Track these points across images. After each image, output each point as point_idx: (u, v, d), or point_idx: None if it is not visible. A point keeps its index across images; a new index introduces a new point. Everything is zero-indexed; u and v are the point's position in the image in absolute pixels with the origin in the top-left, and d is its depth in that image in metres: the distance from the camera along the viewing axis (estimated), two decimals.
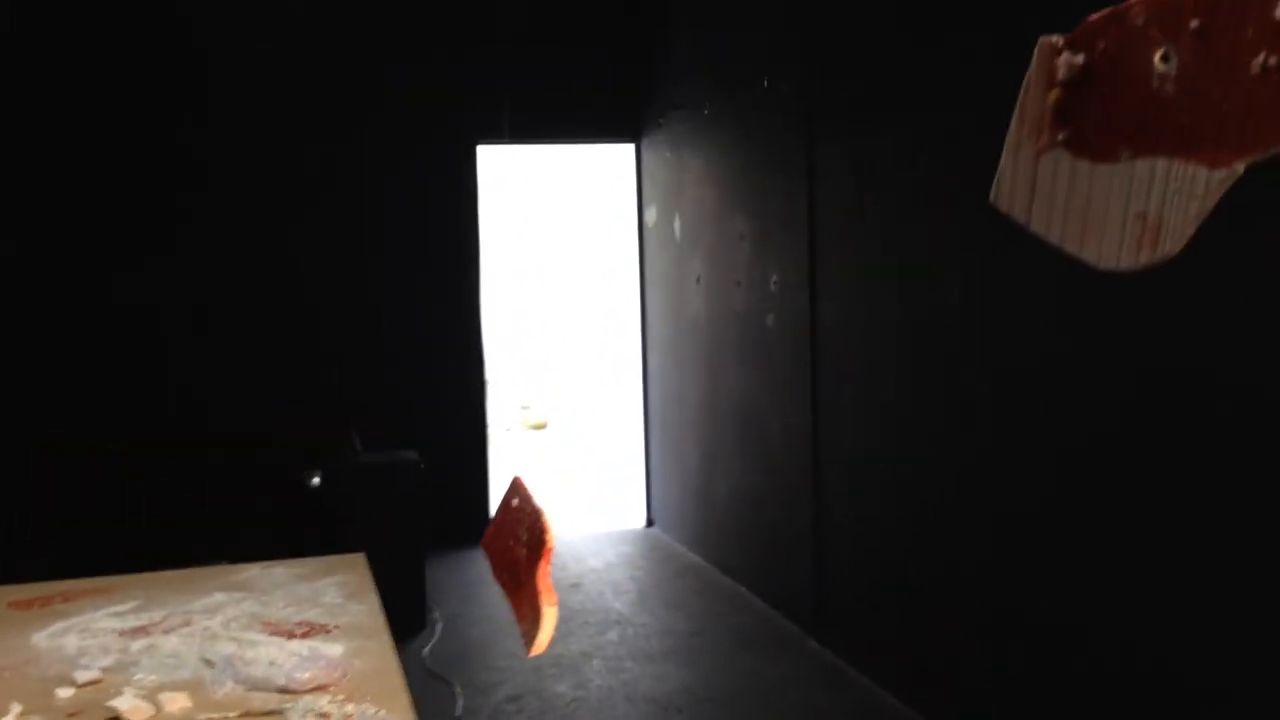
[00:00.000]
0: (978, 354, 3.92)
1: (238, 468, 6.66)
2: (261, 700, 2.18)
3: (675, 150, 6.87)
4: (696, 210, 6.58)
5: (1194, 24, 1.25)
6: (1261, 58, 1.27)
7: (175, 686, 2.25)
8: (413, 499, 5.72)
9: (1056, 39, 1.27)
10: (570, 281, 12.52)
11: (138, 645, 2.49)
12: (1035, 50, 1.29)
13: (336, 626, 2.58)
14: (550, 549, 1.95)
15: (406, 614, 5.68)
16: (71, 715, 2.14)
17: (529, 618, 1.94)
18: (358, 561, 3.11)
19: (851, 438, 4.92)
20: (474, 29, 7.12)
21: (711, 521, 6.58)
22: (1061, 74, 1.28)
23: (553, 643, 5.49)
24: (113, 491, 6.51)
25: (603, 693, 4.88)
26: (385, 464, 5.76)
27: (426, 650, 5.38)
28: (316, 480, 5.78)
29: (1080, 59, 1.27)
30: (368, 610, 2.67)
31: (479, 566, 6.78)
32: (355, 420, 6.11)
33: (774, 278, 5.54)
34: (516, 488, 2.09)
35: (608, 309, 10.96)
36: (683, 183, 6.77)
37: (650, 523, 7.57)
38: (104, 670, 2.34)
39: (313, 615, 2.67)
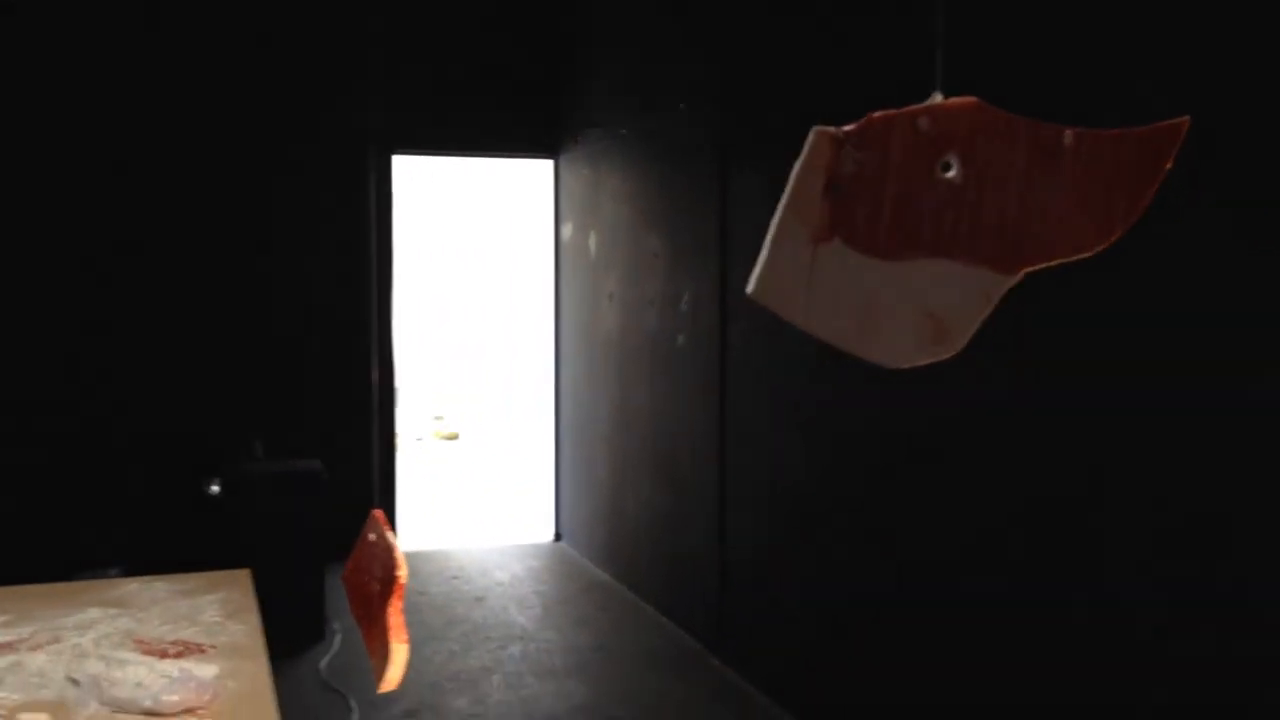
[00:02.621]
0: (880, 379, 3.94)
1: (134, 474, 6.49)
2: None
3: (593, 167, 6.85)
4: (612, 228, 6.57)
5: (980, 142, 1.29)
6: (1044, 185, 1.36)
7: (37, 707, 2.18)
8: (315, 509, 5.63)
9: (836, 130, 1.27)
10: (487, 294, 12.45)
11: (2, 662, 2.41)
12: (810, 139, 1.27)
13: (213, 646, 2.52)
14: (402, 586, 1.92)
15: (305, 626, 5.59)
16: None
17: (380, 654, 1.91)
18: (241, 578, 3.03)
19: (757, 458, 4.93)
20: (394, 38, 7.05)
21: (619, 538, 6.57)
22: (846, 168, 1.26)
23: (454, 657, 5.42)
24: None
25: (502, 709, 4.84)
26: (287, 473, 5.66)
27: (324, 663, 5.29)
28: (216, 488, 5.67)
29: (863, 155, 1.25)
30: (247, 630, 2.61)
31: None
32: (258, 428, 6.00)
33: (685, 297, 5.54)
34: (373, 523, 2.06)
35: (524, 323, 10.93)
36: (599, 200, 6.76)
37: (559, 537, 7.53)
38: None
39: (189, 634, 2.60)
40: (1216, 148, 2.52)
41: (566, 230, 7.37)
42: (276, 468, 5.72)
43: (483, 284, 12.44)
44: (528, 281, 10.32)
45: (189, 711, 2.16)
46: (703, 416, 5.39)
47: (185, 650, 2.49)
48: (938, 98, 1.27)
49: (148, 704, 2.16)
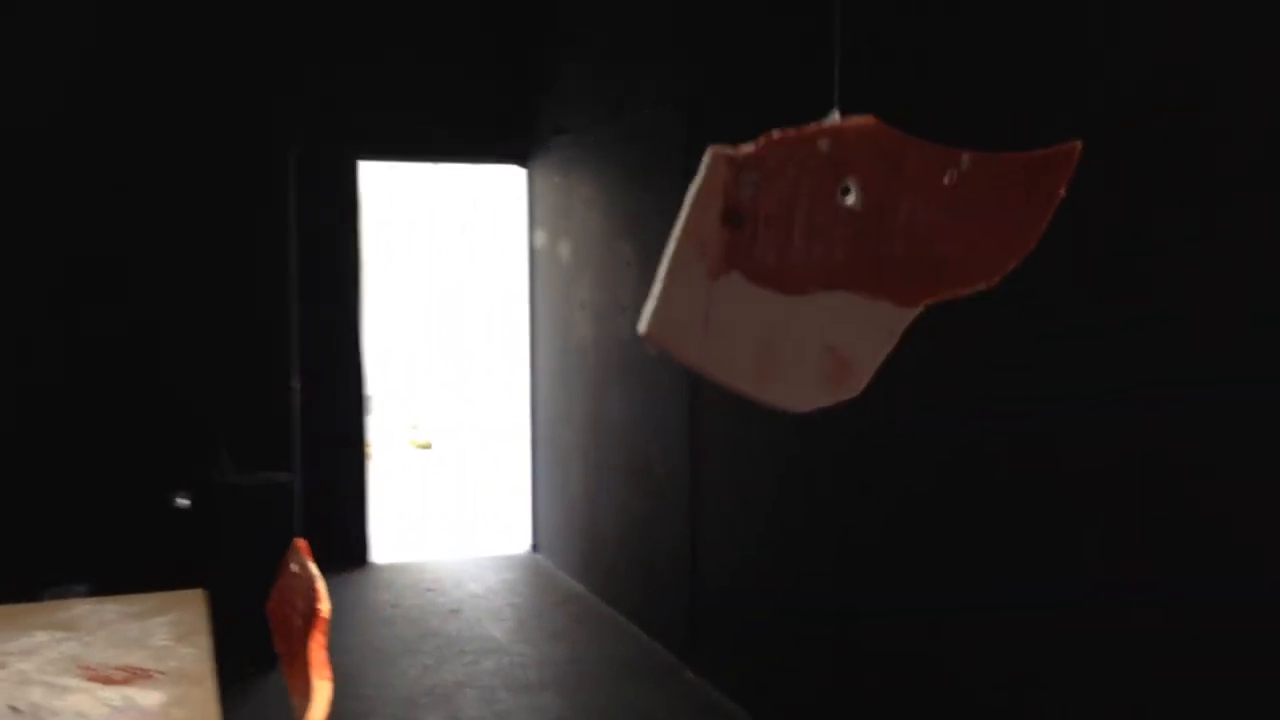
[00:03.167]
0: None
1: (101, 487, 6.39)
2: None
3: (564, 174, 6.80)
4: (584, 235, 6.52)
5: (880, 165, 1.20)
6: (943, 210, 1.29)
7: None
8: (284, 521, 5.55)
9: (733, 151, 1.18)
10: (461, 302, 12.39)
11: None
12: (705, 160, 1.17)
13: (161, 672, 2.45)
14: (324, 619, 1.85)
15: (271, 640, 5.50)
16: None
17: (301, 691, 1.84)
18: (194, 599, 2.97)
19: (730, 468, 4.89)
20: (363, 43, 6.98)
21: (594, 549, 6.51)
22: (745, 193, 1.18)
23: (428, 671, 5.35)
24: None
25: None
26: (256, 485, 5.59)
27: None
28: (184, 501, 5.59)
29: (764, 181, 1.17)
30: (196, 654, 2.55)
31: (352, 591, 6.62)
32: (226, 440, 5.92)
33: None
34: (295, 552, 2.00)
35: (498, 331, 10.87)
36: (571, 207, 6.70)
37: (535, 548, 7.47)
38: None
39: (137, 658, 2.53)
40: None
41: (539, 238, 7.31)
42: (245, 480, 5.65)
43: (457, 292, 12.38)
44: (502, 289, 10.26)
45: None
46: (675, 425, 5.34)
47: (132, 676, 2.43)
48: (836, 117, 1.21)
49: None
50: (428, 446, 10.99)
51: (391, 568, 7.11)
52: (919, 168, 1.20)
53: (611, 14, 6.16)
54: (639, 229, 5.75)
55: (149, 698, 2.28)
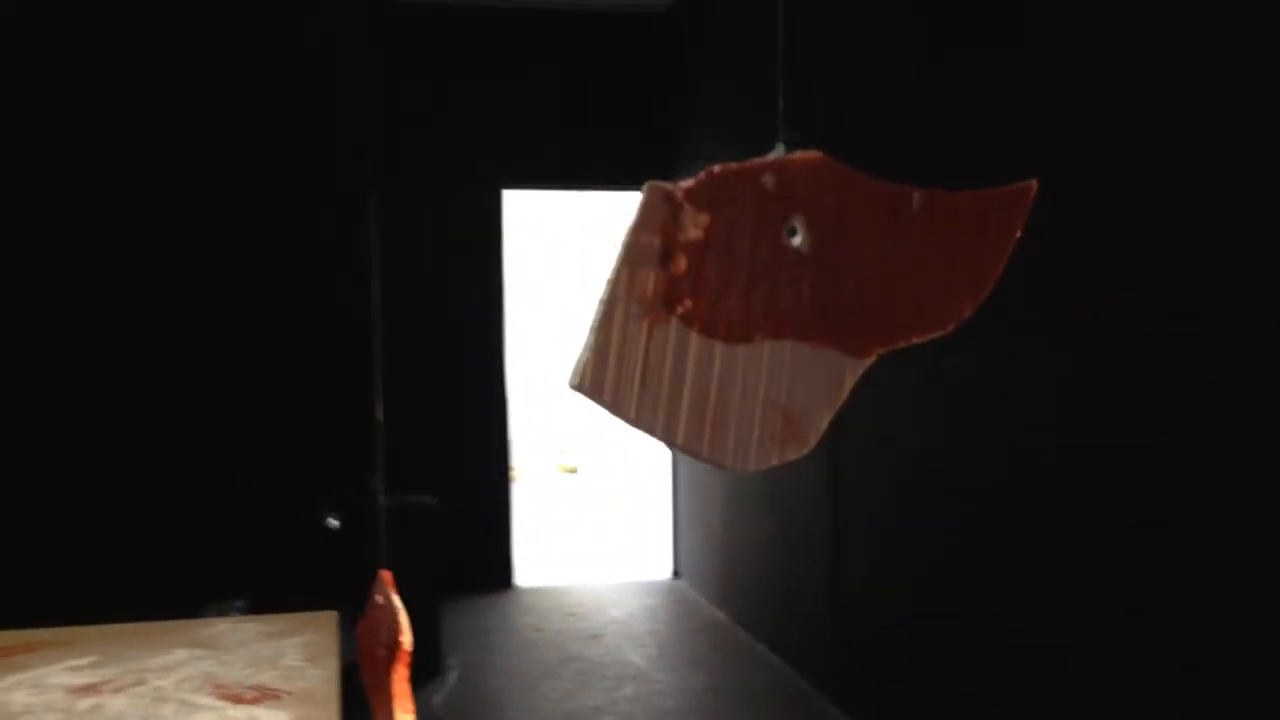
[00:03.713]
0: (995, 422, 3.81)
1: (259, 509, 6.65)
2: None
3: None
4: None
5: (828, 202, 1.09)
6: (894, 250, 1.13)
7: None
8: (430, 543, 5.68)
9: (671, 187, 1.07)
10: None
11: (84, 704, 2.44)
12: (643, 195, 1.06)
13: (289, 693, 2.51)
14: (407, 652, 1.87)
15: (420, 660, 5.60)
16: None
17: None
18: (327, 621, 3.05)
19: (870, 498, 4.80)
20: (508, 73, 7.13)
21: (734, 576, 6.46)
22: (687, 234, 1.04)
23: (569, 695, 5.38)
24: (127, 531, 6.53)
25: None
26: (403, 507, 5.73)
27: (439, 699, 5.30)
28: (334, 522, 5.76)
29: (706, 220, 1.05)
30: (324, 676, 2.60)
31: (498, 614, 6.71)
32: (374, 464, 6.08)
33: None
34: (380, 585, 2.02)
35: None
36: None
37: (677, 574, 7.45)
38: None
39: (268, 678, 2.60)
40: None
41: None
42: (393, 502, 5.78)
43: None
44: None
45: None
46: (814, 453, 5.26)
47: (261, 695, 2.49)
48: (780, 150, 1.12)
49: None
50: (574, 471, 11.09)
51: (536, 591, 7.19)
52: (867, 206, 1.10)
53: (752, 44, 6.15)
54: None
55: (274, 718, 2.34)
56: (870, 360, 1.10)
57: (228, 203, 6.69)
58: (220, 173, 6.69)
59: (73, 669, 2.68)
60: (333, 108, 6.76)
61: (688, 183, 1.05)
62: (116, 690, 2.53)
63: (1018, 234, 1.18)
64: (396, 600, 1.91)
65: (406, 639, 1.85)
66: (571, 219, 12.11)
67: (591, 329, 1.03)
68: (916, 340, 1.10)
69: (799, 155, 1.09)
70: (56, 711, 2.40)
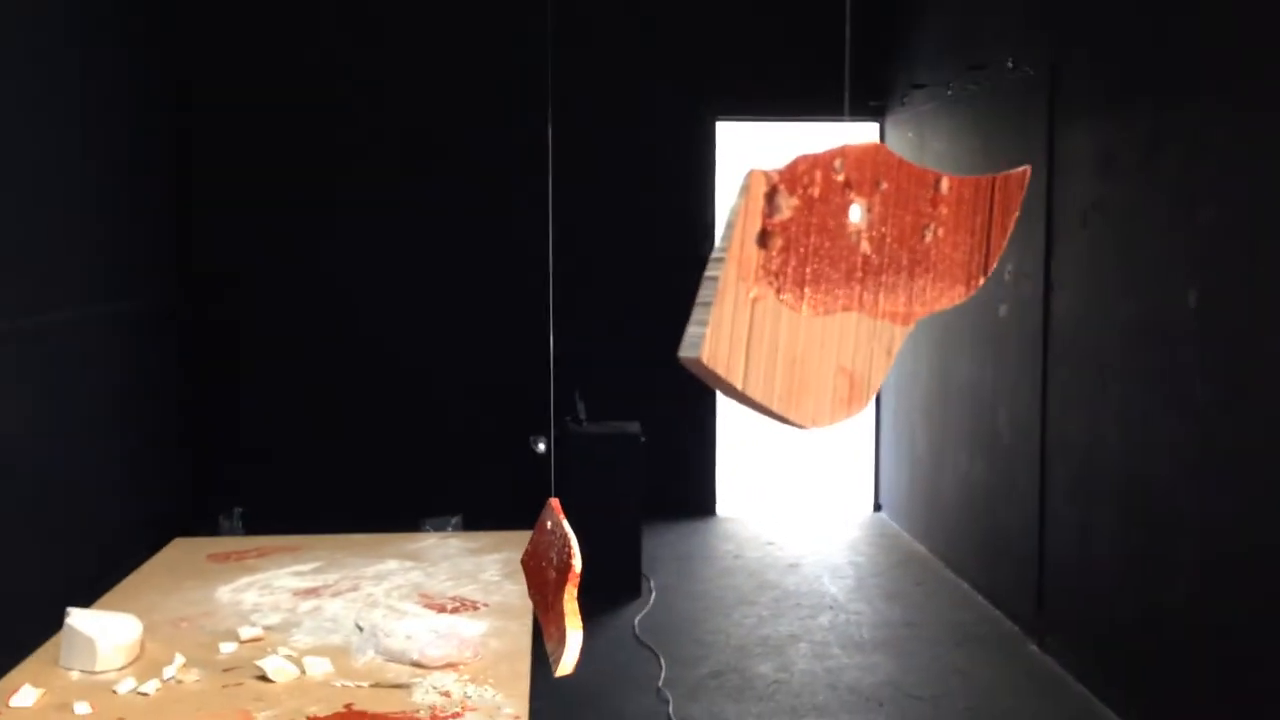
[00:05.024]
0: (1214, 359, 3.66)
1: (473, 432, 6.97)
2: (395, 673, 2.31)
3: (918, 130, 6.65)
4: None
5: (882, 185, 1.26)
6: (929, 228, 1.29)
7: (325, 650, 2.41)
8: (632, 469, 5.85)
9: (770, 173, 1.16)
10: None
11: (305, 606, 2.68)
12: (746, 182, 1.15)
13: (486, 605, 2.69)
14: (577, 574, 1.97)
15: (621, 582, 5.82)
16: (226, 670, 2.34)
17: (555, 638, 1.97)
18: (524, 540, 3.21)
19: (1080, 437, 4.67)
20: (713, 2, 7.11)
21: (937, 512, 6.39)
22: (779, 215, 1.15)
23: (763, 622, 5.49)
24: (365, 454, 6.96)
25: (805, 678, 4.85)
26: (607, 434, 5.92)
27: (638, 619, 5.49)
28: (541, 447, 5.99)
29: (795, 202, 1.15)
30: (520, 591, 2.77)
31: (698, 540, 6.86)
32: (581, 390, 6.28)
33: (1008, 267, 5.31)
34: (550, 511, 2.12)
35: None
36: (923, 164, 6.53)
37: (878, 508, 7.43)
38: (268, 629, 2.54)
39: (468, 591, 2.79)
40: None
41: None
42: (598, 429, 5.99)
43: None
44: None
45: (450, 665, 2.32)
46: (1024, 391, 5.15)
47: (461, 606, 2.68)
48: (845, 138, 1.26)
49: (415, 656, 2.35)
50: None
51: (736, 520, 7.30)
52: (908, 190, 1.23)
53: None
54: None
55: (471, 627, 2.51)
56: (911, 327, 1.26)
57: (436, 152, 6.95)
58: (426, 121, 6.95)
59: (298, 573, 2.93)
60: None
61: (780, 167, 1.19)
62: (334, 594, 2.76)
63: (1017, 213, 1.37)
64: (566, 526, 2.03)
65: (577, 562, 1.96)
66: (784, 149, 12.02)
67: (706, 304, 1.16)
68: (940, 308, 1.26)
69: (859, 144, 1.23)
70: (280, 611, 2.65)
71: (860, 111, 7.24)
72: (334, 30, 6.91)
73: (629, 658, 5.08)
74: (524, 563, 2.27)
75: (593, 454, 5.87)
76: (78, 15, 5.25)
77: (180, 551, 3.14)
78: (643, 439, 5.90)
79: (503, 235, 6.97)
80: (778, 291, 1.18)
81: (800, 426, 1.24)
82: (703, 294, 1.19)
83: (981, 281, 1.35)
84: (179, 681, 2.28)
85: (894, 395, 7.22)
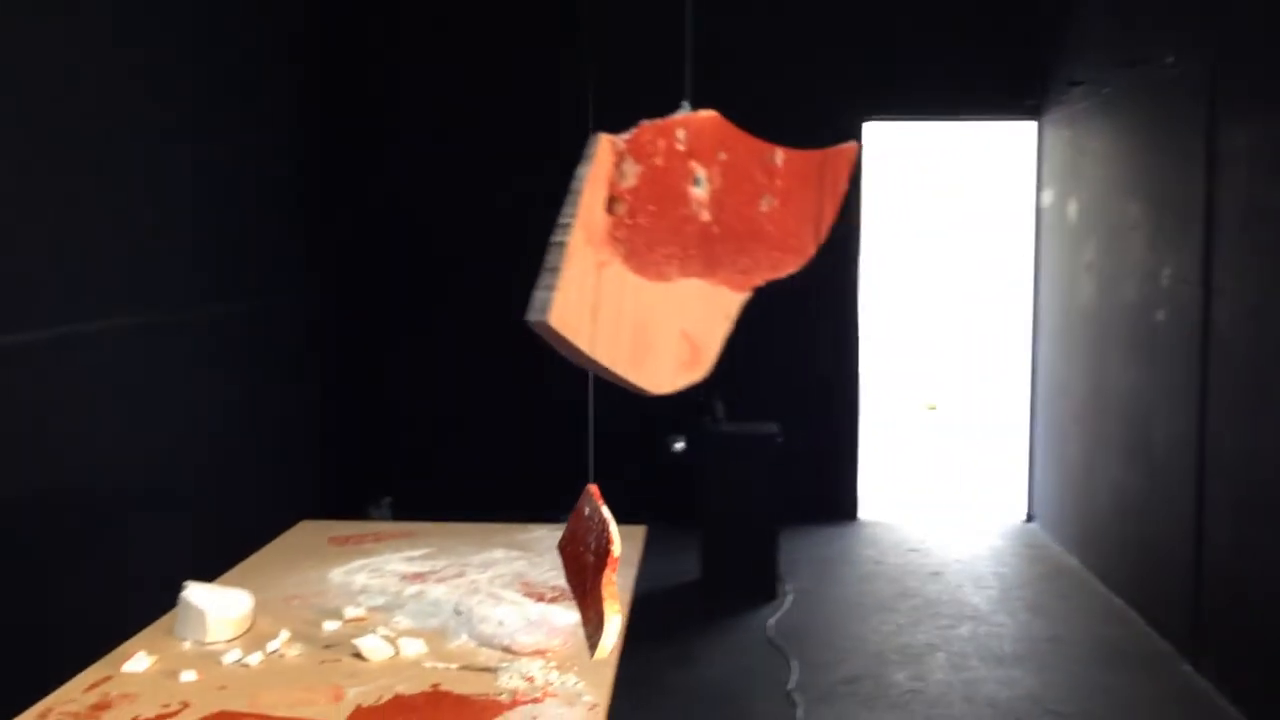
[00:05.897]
0: None
1: (609, 428, 7.02)
2: (485, 657, 2.36)
3: (1073, 129, 6.41)
4: (1092, 195, 6.12)
5: (721, 156, 1.27)
6: (765, 199, 1.33)
7: (422, 633, 2.48)
8: (769, 470, 5.81)
9: (615, 139, 1.16)
10: (968, 261, 12.10)
11: (410, 590, 2.76)
12: (595, 147, 1.15)
13: None
14: (615, 559, 1.97)
15: (755, 583, 5.79)
16: (326, 647, 2.43)
17: (593, 622, 1.98)
18: (635, 535, 3.23)
19: (1241, 451, 4.43)
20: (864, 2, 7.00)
21: (1089, 523, 6.15)
22: (625, 182, 1.15)
23: (901, 630, 5.40)
24: (492, 444, 7.11)
25: (941, 688, 4.74)
26: (745, 434, 5.89)
27: (772, 621, 5.45)
28: (680, 445, 6.01)
29: (640, 169, 1.15)
30: (619, 585, 2.78)
31: (838, 544, 6.76)
32: (719, 389, 6.27)
33: (1166, 271, 5.08)
34: (587, 497, 2.12)
35: (1003, 292, 10.48)
36: (1079, 165, 6.32)
37: (1030, 518, 7.18)
38: (371, 609, 2.62)
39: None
40: None
41: (1046, 197, 6.96)
42: (735, 429, 5.96)
43: (967, 251, 12.11)
44: (1008, 249, 9.88)
45: (539, 652, 2.36)
46: (1181, 399, 4.91)
47: (560, 596, 2.70)
48: (686, 109, 1.23)
49: (505, 642, 2.39)
50: (934, 408, 10.86)
51: (879, 525, 7.16)
52: (746, 160, 1.24)
53: None
54: (1151, 189, 5.34)
55: (564, 617, 2.54)
56: (748, 294, 1.29)
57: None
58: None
59: (409, 558, 3.02)
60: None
61: (626, 135, 1.21)
62: (440, 580, 2.83)
63: (845, 187, 1.45)
64: (606, 511, 2.04)
65: (616, 547, 1.97)
66: (931, 148, 11.77)
67: (554, 268, 1.17)
68: (779, 276, 1.27)
69: (700, 113, 1.25)
70: (387, 594, 2.73)
71: (1015, 110, 7.02)
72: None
73: (760, 660, 5.05)
74: (561, 549, 2.30)
75: (729, 454, 5.86)
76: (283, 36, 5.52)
77: (304, 534, 3.27)
78: (780, 439, 5.84)
79: None
80: (624, 257, 1.19)
81: (644, 391, 1.27)
82: (550, 259, 1.22)
83: (814, 251, 1.40)
84: (281, 655, 2.38)
85: (1046, 402, 6.99)
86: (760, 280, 1.34)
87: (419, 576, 2.85)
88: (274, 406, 5.90)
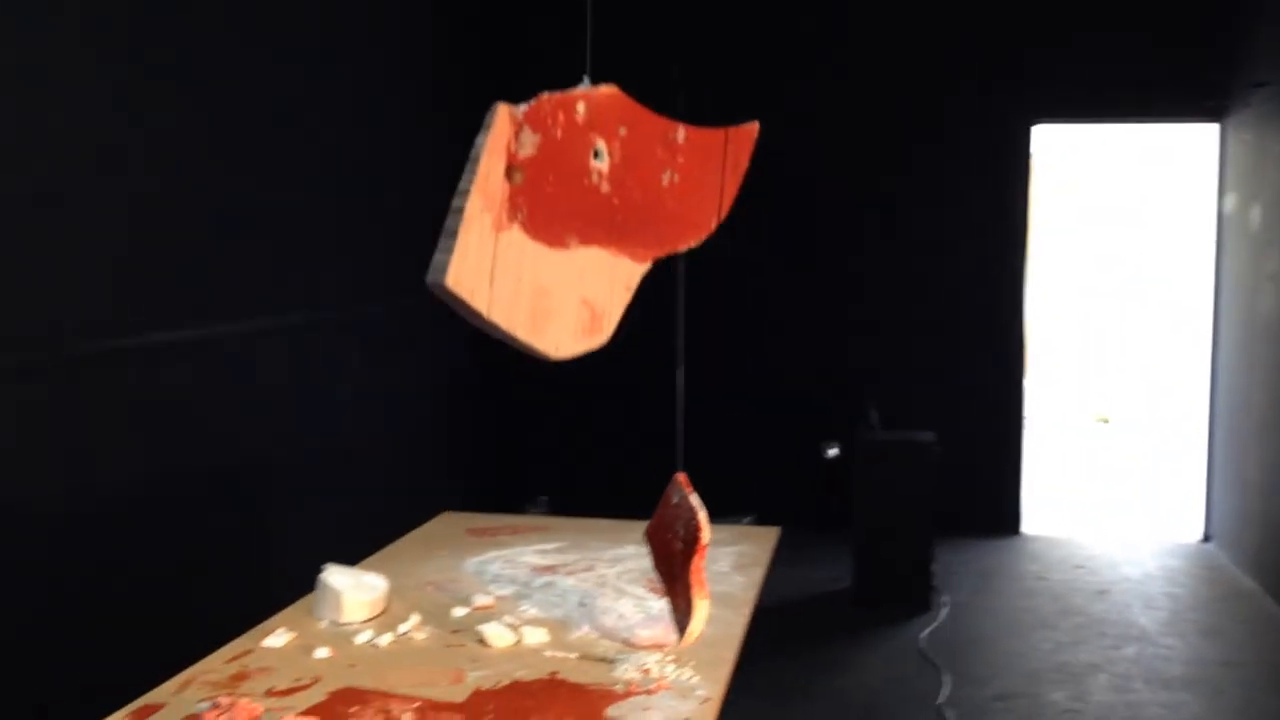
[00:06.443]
0: None
1: (767, 434, 6.98)
2: (604, 648, 2.39)
3: (1257, 132, 6.07)
4: (1277, 201, 5.79)
5: (622, 131, 1.35)
6: (667, 174, 1.37)
7: (544, 622, 2.54)
8: (926, 481, 5.69)
9: (514, 109, 1.19)
10: (1148, 271, 11.59)
11: (540, 581, 2.82)
12: (494, 116, 1.18)
13: (710, 594, 2.72)
14: (704, 546, 1.96)
15: (909, 594, 5.68)
16: (453, 632, 2.51)
17: (682, 609, 1.98)
18: (767, 536, 3.22)
19: None
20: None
21: (1271, 545, 5.80)
22: (524, 151, 1.17)
23: (1061, 648, 5.24)
24: (647, 446, 7.14)
25: (1101, 710, 4.57)
26: (899, 442, 5.79)
27: (925, 633, 5.34)
28: (834, 452, 5.95)
29: (538, 139, 1.17)
30: (746, 584, 2.78)
31: (999, 558, 6.57)
32: (874, 397, 6.18)
33: None
34: (676, 486, 2.12)
35: (1183, 302, 9.99)
36: (1264, 168, 5.98)
37: (1207, 538, 6.82)
38: (499, 598, 2.69)
39: None
40: None
41: (1229, 202, 6.61)
42: (891, 437, 5.87)
43: (1144, 259, 11.60)
44: (1188, 258, 9.42)
45: (657, 646, 2.38)
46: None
47: None
48: (586, 83, 1.25)
49: (624, 635, 2.43)
50: (1107, 421, 10.43)
51: (1043, 540, 6.92)
52: (647, 136, 1.32)
53: None
54: None
55: None
56: (648, 266, 1.34)
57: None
58: None
59: (542, 551, 3.09)
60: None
61: (524, 106, 1.27)
62: (569, 573, 2.89)
63: (746, 165, 1.47)
64: (695, 500, 2.05)
65: (705, 534, 1.98)
66: (1106, 151, 11.32)
67: (448, 233, 1.24)
68: (678, 249, 1.31)
69: (600, 89, 1.30)
70: (517, 584, 2.81)
71: (1194, 112, 6.68)
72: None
73: (910, 672, 4.95)
74: (648, 536, 2.32)
75: (883, 462, 5.76)
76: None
77: (444, 525, 3.38)
78: (937, 448, 5.71)
79: (806, 244, 6.98)
80: (523, 224, 1.25)
81: (545, 355, 1.32)
82: (449, 224, 1.28)
83: (714, 227, 1.43)
84: (409, 638, 2.47)
85: (1226, 418, 6.65)
86: (661, 253, 1.43)
87: (549, 569, 2.91)
88: (442, 404, 6.09)
